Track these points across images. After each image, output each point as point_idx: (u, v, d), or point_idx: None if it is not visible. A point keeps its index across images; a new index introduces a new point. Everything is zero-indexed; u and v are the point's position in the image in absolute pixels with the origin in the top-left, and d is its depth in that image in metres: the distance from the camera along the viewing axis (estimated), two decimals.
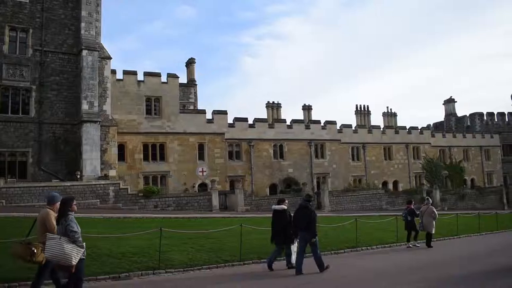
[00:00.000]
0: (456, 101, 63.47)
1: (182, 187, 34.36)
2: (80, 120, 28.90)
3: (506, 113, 61.66)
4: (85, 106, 29.02)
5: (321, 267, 10.67)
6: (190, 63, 47.91)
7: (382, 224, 21.10)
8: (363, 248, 15.54)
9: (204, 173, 35.62)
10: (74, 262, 6.68)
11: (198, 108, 42.17)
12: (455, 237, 20.48)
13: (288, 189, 37.72)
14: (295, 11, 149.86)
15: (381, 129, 47.53)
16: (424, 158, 48.06)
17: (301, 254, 10.83)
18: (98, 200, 26.80)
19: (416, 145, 48.87)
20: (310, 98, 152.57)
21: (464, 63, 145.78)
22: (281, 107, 48.98)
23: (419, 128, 50.11)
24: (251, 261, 12.23)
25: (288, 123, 41.22)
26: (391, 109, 56.60)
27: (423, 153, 48.67)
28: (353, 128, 45.22)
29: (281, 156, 40.02)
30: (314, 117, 46.75)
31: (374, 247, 15.99)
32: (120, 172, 32.16)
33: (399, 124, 53.87)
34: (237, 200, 31.36)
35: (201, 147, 36.34)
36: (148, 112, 34.74)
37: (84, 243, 6.95)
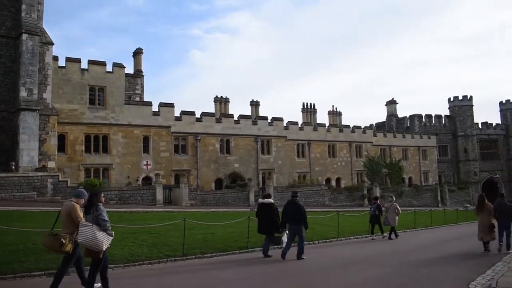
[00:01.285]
0: (397, 103, 66.09)
1: (125, 181, 33.55)
2: (18, 107, 27.45)
3: (443, 115, 64.94)
4: (23, 93, 27.57)
5: (301, 255, 12.22)
6: (137, 53, 46.73)
7: (324, 219, 21.61)
8: (305, 242, 15.80)
9: (149, 167, 34.97)
10: (104, 248, 7.37)
11: (145, 100, 41.24)
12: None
13: (233, 184, 37.76)
14: (245, 6, 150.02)
15: (326, 127, 48.55)
16: (366, 157, 49.68)
17: (289, 244, 12.38)
18: (35, 193, 25.62)
19: (359, 143, 50.40)
20: (258, 94, 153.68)
21: (406, 66, 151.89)
22: (229, 102, 48.90)
23: (362, 127, 51.72)
24: (193, 256, 12.15)
25: (235, 118, 41.20)
26: (336, 108, 58.08)
27: (365, 152, 50.28)
28: (299, 125, 45.89)
29: (228, 151, 39.99)
30: (261, 113, 47.01)
31: (315, 241, 16.35)
32: (60, 164, 30.94)
33: (343, 123, 55.40)
34: (182, 194, 31.04)
35: (146, 140, 35.60)
36: (92, 102, 33.56)
37: (113, 232, 7.59)
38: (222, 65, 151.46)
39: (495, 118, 71.64)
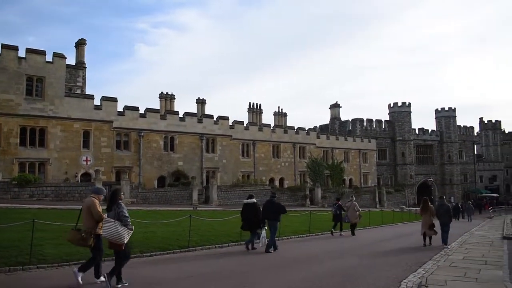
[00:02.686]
0: (341, 106, 67.94)
1: (63, 176, 32.22)
2: None
3: (383, 120, 67.44)
4: None
5: (275, 247, 14.03)
6: (80, 44, 44.95)
7: None
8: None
9: (89, 162, 33.79)
10: (125, 240, 8.19)
11: (86, 93, 39.79)
12: (325, 232, 21.84)
13: (177, 182, 37.27)
14: (193, 3, 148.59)
15: (271, 128, 49.02)
16: (309, 158, 50.60)
17: (272, 236, 14.07)
18: None
19: (303, 145, 51.30)
20: (205, 92, 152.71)
21: (351, 71, 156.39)
22: (174, 98, 48.30)
23: (306, 129, 52.63)
24: (132, 255, 11.81)
25: (180, 115, 40.65)
26: (282, 109, 58.87)
27: (308, 153, 51.21)
28: (245, 125, 46.03)
29: (172, 149, 39.38)
30: (207, 112, 46.82)
31: (256, 240, 16.41)
32: None
33: (288, 124, 56.16)
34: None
35: (86, 134, 34.36)
36: (29, 92, 31.95)
37: (133, 226, 8.50)
38: (168, 61, 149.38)
39: (431, 125, 75.26)
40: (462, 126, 78.19)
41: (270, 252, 13.70)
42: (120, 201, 8.47)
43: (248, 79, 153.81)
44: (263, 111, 54.99)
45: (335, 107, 67.58)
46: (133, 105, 37.43)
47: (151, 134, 37.91)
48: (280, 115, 58.16)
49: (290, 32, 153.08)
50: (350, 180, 57.66)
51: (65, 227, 13.85)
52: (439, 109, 74.98)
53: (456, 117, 74.68)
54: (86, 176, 33.80)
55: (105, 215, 8.32)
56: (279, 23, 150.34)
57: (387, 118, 68.57)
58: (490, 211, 50.13)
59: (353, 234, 20.53)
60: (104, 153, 35.05)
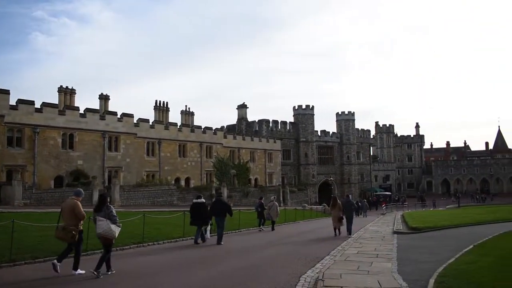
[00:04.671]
0: (248, 107, 68.94)
1: None
2: None
3: (288, 122, 69.63)
4: None
5: (221, 240, 15.87)
6: None
7: (171, 219, 21.39)
8: (149, 243, 15.50)
9: None
10: (116, 236, 9.84)
11: None
12: (237, 231, 22.10)
13: (76, 182, 35.24)
14: None
15: (178, 127, 48.42)
16: (216, 157, 50.75)
17: (221, 230, 16.05)
18: None
19: (210, 144, 51.31)
20: (109, 88, 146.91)
21: (260, 73, 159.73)
22: (75, 93, 45.68)
23: (213, 128, 52.75)
24: (23, 262, 10.98)
25: (81, 111, 38.51)
26: (189, 108, 58.40)
27: (215, 153, 51.35)
28: (150, 123, 44.93)
29: (71, 147, 37.17)
30: (111, 108, 44.96)
31: (160, 242, 16.10)
32: None
33: (195, 123, 55.84)
34: (14, 192, 28.01)
35: None
36: None
37: (120, 224, 9.99)
38: (69, 53, 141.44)
39: (332, 127, 79.29)
40: (360, 129, 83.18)
41: (222, 244, 15.58)
42: (108, 203, 9.89)
43: (155, 77, 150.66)
44: (170, 109, 54.16)
45: (242, 107, 68.47)
46: (28, 98, 34.79)
47: (48, 130, 35.49)
48: (187, 114, 57.66)
49: (198, 31, 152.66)
50: (256, 179, 58.78)
51: None
52: (340, 113, 79.13)
53: (355, 121, 79.36)
54: None
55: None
56: (187, 20, 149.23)
57: (292, 120, 70.89)
58: (384, 208, 53.91)
59: (273, 229, 22.95)
60: None
